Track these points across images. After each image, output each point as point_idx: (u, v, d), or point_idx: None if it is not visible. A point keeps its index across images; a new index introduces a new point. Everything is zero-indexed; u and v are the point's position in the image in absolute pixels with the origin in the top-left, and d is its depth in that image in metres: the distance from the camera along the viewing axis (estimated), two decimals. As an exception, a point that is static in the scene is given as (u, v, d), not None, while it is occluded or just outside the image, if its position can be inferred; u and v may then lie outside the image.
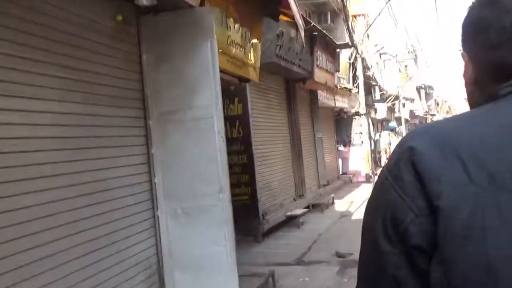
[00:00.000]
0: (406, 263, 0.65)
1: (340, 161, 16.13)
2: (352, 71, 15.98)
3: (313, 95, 11.80)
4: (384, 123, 28.79)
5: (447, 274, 0.61)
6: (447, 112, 60.21)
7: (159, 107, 4.37)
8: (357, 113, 17.24)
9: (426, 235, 0.63)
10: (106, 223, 3.70)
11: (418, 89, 41.04)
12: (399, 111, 30.50)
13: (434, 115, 47.45)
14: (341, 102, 14.64)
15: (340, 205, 11.22)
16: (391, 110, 28.71)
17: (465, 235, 0.61)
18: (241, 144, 7.69)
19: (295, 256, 6.64)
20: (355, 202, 11.48)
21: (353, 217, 9.62)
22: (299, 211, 8.93)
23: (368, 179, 15.93)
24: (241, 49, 6.16)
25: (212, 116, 4.26)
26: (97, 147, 3.71)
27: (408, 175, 0.65)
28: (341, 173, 15.93)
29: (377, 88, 23.11)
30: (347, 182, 15.51)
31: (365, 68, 17.21)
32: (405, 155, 0.67)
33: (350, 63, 15.66)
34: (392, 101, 27.61)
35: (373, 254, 0.69)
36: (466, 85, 0.80)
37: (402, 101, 30.83)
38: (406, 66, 35.79)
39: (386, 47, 28.03)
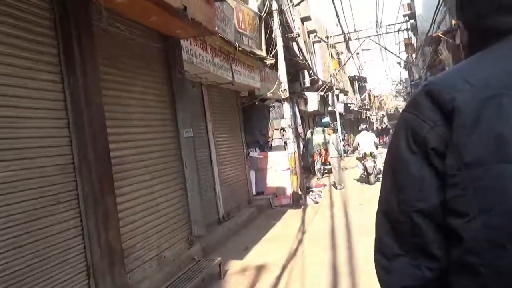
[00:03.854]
0: (427, 164, 0.86)
1: (253, 174, 10.16)
2: (266, 33, 10.04)
3: (173, 48, 5.59)
4: (316, 118, 23.33)
5: (460, 153, 0.81)
6: (378, 108, 57.52)
7: None
8: (277, 100, 11.41)
9: (440, 139, 0.85)
10: None
11: (352, 80, 36.51)
12: (332, 104, 25.30)
13: (369, 109, 43.45)
14: (247, 78, 8.63)
15: (235, 282, 5.18)
16: (324, 102, 23.33)
17: (475, 120, 0.81)
18: None
19: None
20: (269, 267, 5.51)
21: None
22: None
23: (296, 200, 10.08)
24: None
25: None
26: None
27: (423, 100, 0.89)
28: (254, 194, 9.96)
29: (306, 72, 17.51)
30: (264, 208, 9.57)
31: (287, 29, 11.33)
32: (421, 91, 0.90)
33: (261, 17, 9.70)
34: (325, 92, 22.22)
35: (400, 165, 0.90)
36: (463, 48, 1.03)
37: (336, 92, 25.73)
38: (338, 53, 30.90)
39: (315, 24, 22.71)
